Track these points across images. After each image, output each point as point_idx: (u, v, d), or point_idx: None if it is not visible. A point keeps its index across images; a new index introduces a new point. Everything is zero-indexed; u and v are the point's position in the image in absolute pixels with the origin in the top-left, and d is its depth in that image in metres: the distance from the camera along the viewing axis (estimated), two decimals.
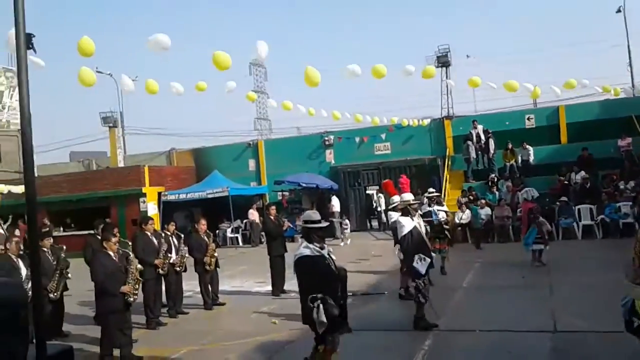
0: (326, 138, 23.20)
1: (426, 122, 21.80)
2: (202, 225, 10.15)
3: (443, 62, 22.94)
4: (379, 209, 20.52)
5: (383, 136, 22.29)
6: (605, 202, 15.17)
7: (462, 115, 22.81)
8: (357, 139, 22.79)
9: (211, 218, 16.02)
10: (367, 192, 21.73)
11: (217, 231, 20.37)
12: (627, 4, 27.74)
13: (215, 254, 10.04)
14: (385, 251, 14.09)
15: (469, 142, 18.99)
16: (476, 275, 11.07)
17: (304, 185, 21.04)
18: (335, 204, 20.11)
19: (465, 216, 16.00)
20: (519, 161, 18.61)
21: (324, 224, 5.38)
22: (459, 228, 15.94)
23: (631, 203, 14.68)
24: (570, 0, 68.99)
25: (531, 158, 18.58)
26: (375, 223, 21.52)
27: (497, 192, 17.11)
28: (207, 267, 9.83)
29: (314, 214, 5.41)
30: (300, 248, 5.13)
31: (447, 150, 21.26)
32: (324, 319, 4.74)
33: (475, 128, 19.37)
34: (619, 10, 28.30)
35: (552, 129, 20.36)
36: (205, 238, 10.01)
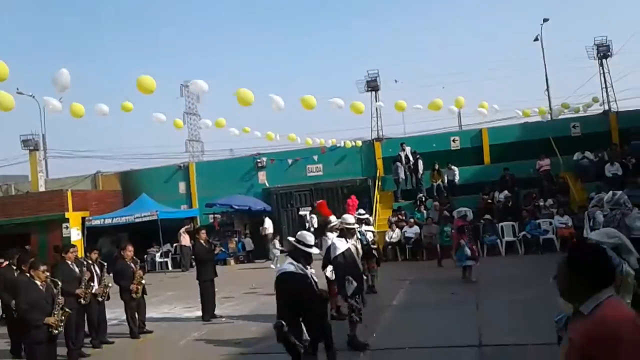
0: (258, 160, 23.11)
1: (360, 143, 22.23)
2: (129, 251, 9.76)
3: (372, 86, 23.46)
4: (311, 229, 20.55)
5: (315, 158, 22.47)
6: (526, 220, 15.93)
7: (392, 137, 23.39)
8: (290, 161, 22.85)
9: (139, 243, 15.51)
10: (300, 213, 21.76)
11: (145, 256, 19.72)
12: (543, 33, 29.56)
13: (143, 281, 9.68)
14: (317, 271, 14.09)
15: (398, 164, 19.49)
16: (406, 293, 11.26)
17: (236, 207, 20.81)
18: (268, 225, 19.99)
19: (395, 235, 16.32)
20: (445, 181, 19.25)
21: (315, 250, 5.33)
22: (389, 247, 16.24)
23: (550, 220, 15.50)
24: (492, 26, 73.09)
25: (456, 178, 19.27)
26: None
27: (425, 211, 17.59)
28: (134, 295, 9.46)
29: (309, 237, 5.35)
30: (285, 264, 5.07)
31: (378, 171, 21.71)
32: (307, 336, 4.69)
33: (404, 150, 19.94)
34: (536, 39, 30.07)
35: (475, 150, 21.25)
36: (132, 265, 9.63)
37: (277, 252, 17.64)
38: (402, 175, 19.41)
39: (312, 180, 22.43)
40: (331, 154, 22.25)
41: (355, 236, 8.11)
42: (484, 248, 15.71)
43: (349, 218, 7.97)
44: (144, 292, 9.71)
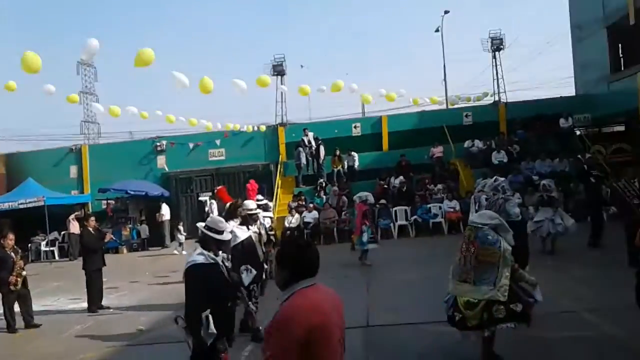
0: (158, 143, 22.31)
1: (264, 127, 22.10)
2: (9, 240, 9.04)
3: (278, 70, 23.35)
4: (211, 215, 20.22)
5: (218, 142, 22.07)
6: (418, 204, 16.65)
7: (296, 122, 23.48)
8: (191, 145, 22.27)
9: (24, 231, 14.50)
10: (200, 198, 21.32)
11: (29, 245, 18.48)
12: (444, 25, 30.79)
13: (23, 272, 9.05)
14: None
15: (300, 149, 19.62)
16: None
17: (131, 192, 19.97)
18: (165, 212, 19.43)
19: (294, 220, 16.44)
20: (345, 167, 19.64)
21: (227, 237, 5.03)
22: (288, 232, 16.33)
23: (440, 204, 16.30)
24: (396, 17, 75.27)
25: (356, 164, 19.72)
26: None
27: (324, 197, 17.87)
28: (12, 288, 8.83)
29: (221, 223, 5.04)
30: (194, 255, 4.72)
31: (280, 156, 21.72)
32: (214, 330, 4.47)
33: (307, 135, 20.09)
34: (437, 30, 31.30)
35: (375, 137, 21.83)
36: (12, 254, 8.97)
37: (182, 238, 17.22)
38: (303, 161, 19.57)
39: (214, 165, 22.03)
40: (234, 138, 21.95)
41: (257, 222, 7.98)
42: (378, 231, 16.22)
43: (250, 204, 7.83)
44: (24, 284, 9.09)
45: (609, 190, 11.84)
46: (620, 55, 20.45)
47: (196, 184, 21.71)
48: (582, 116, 20.35)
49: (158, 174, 22.15)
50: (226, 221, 5.85)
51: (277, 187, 19.64)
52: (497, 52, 23.25)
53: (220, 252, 4.96)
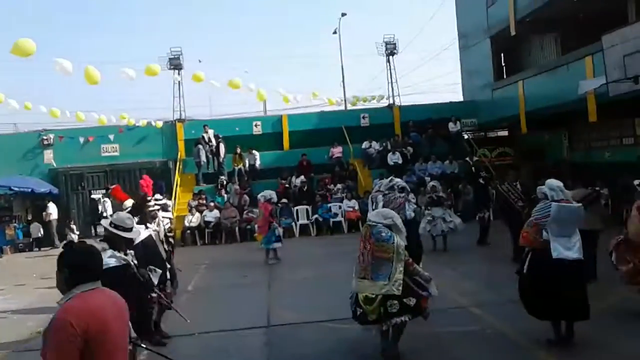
0: (45, 137, 20.86)
1: (160, 123, 21.42)
2: None
3: (175, 64, 22.71)
4: (104, 214, 19.40)
5: (112, 137, 21.04)
6: (319, 203, 17.02)
7: (195, 118, 22.99)
8: (82, 139, 21.06)
9: None
10: (92, 196, 20.31)
11: None
12: (342, 27, 31.54)
13: None
14: None
15: (200, 146, 19.28)
16: (202, 278, 11.27)
17: (16, 189, 18.59)
18: (53, 210, 18.32)
19: (194, 219, 16.18)
20: (247, 165, 19.59)
21: (134, 235, 4.77)
22: (188, 231, 16.07)
23: (340, 204, 16.78)
24: (297, 17, 75.93)
25: (257, 162, 19.73)
26: (100, 229, 20.19)
27: (225, 195, 17.73)
28: None
29: (129, 220, 4.77)
30: (104, 257, 4.36)
31: (179, 153, 21.19)
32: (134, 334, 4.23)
33: (207, 132, 19.78)
34: (335, 32, 31.95)
35: (276, 136, 21.92)
36: None
37: (75, 238, 16.29)
38: (203, 158, 19.25)
39: (107, 161, 20.99)
40: (130, 133, 21.04)
41: (157, 219, 7.77)
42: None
43: (127, 203, 7.61)
44: None
45: (494, 191, 12.82)
46: (503, 64, 22.14)
47: (88, 180, 20.60)
48: (469, 121, 21.83)
49: (45, 169, 20.72)
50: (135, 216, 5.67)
51: (176, 185, 19.17)
52: (391, 56, 24.18)
53: (129, 251, 4.82)
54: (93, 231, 20.51)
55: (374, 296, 5.31)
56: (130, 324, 4.45)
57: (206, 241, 16.44)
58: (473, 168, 18.70)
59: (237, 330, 7.29)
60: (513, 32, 18.35)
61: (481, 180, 14.02)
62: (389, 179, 11.57)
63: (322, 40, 65.41)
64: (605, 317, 6.27)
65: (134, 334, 4.49)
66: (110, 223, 4.84)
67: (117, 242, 4.69)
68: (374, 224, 5.57)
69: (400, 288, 5.26)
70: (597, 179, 12.37)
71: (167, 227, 10.41)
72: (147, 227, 7.00)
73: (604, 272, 7.62)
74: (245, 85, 15.94)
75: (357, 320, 5.66)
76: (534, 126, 18.42)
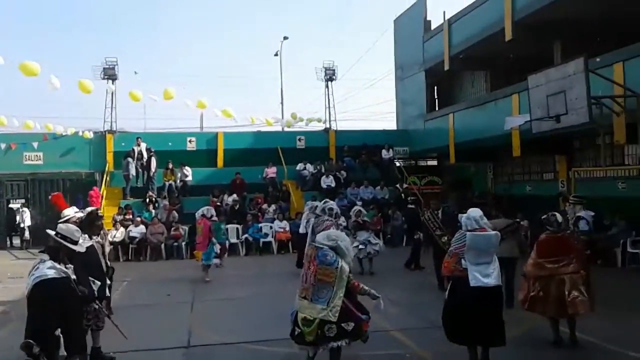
0: None
1: (88, 134, 20.65)
2: None
3: (109, 74, 22.07)
4: (22, 225, 18.40)
5: (35, 145, 20.07)
6: (250, 223, 16.84)
7: (126, 131, 22.33)
8: (3, 145, 19.97)
9: None
10: (11, 206, 19.22)
11: None
12: (283, 48, 31.82)
13: None
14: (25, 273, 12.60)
15: (130, 159, 18.72)
16: (122, 295, 10.78)
17: None
18: None
19: (119, 234, 15.59)
20: (178, 181, 19.17)
21: (80, 248, 4.48)
22: (111, 247, 15.40)
23: (271, 224, 16.68)
24: (242, 36, 75.60)
25: (189, 178, 19.35)
26: (17, 241, 19.17)
27: (153, 211, 17.22)
28: None
29: (77, 232, 4.50)
30: (43, 268, 4.12)
31: (107, 165, 20.47)
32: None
33: (139, 145, 19.24)
34: (276, 54, 32.23)
35: (210, 153, 21.69)
36: None
37: None
38: (132, 172, 18.68)
39: (29, 169, 19.98)
40: (56, 142, 20.16)
41: (102, 231, 7.43)
42: None
43: (68, 211, 7.27)
44: None
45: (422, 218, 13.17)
46: (436, 97, 23.01)
47: (6, 189, 19.50)
48: (402, 149, 22.44)
49: None
50: (83, 231, 5.42)
51: (102, 198, 18.45)
52: (330, 82, 24.58)
53: (69, 265, 4.57)
54: (9, 242, 19.40)
55: (312, 318, 5.27)
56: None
57: (130, 257, 15.85)
58: (403, 195, 19.18)
59: (154, 350, 7.03)
60: (447, 67, 19.14)
61: (410, 205, 14.41)
62: (323, 201, 11.74)
63: (262, 61, 65.61)
64: (520, 343, 6.51)
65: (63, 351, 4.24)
66: (57, 233, 4.62)
67: (59, 254, 4.46)
68: (320, 246, 5.55)
69: (337, 315, 5.24)
70: (518, 211, 13.00)
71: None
72: (91, 239, 6.76)
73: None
74: (181, 99, 15.70)
75: (295, 340, 5.59)
76: (462, 157, 19.17)
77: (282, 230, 16.61)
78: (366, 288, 5.71)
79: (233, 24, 76.35)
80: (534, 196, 17.11)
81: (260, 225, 16.82)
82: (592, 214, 11.91)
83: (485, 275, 5.56)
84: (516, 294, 7.80)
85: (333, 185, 19.48)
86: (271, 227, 16.76)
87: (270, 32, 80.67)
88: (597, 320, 7.02)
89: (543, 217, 7.00)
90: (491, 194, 18.93)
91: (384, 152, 21.33)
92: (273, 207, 17.92)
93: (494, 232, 5.80)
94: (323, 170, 20.21)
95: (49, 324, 4.15)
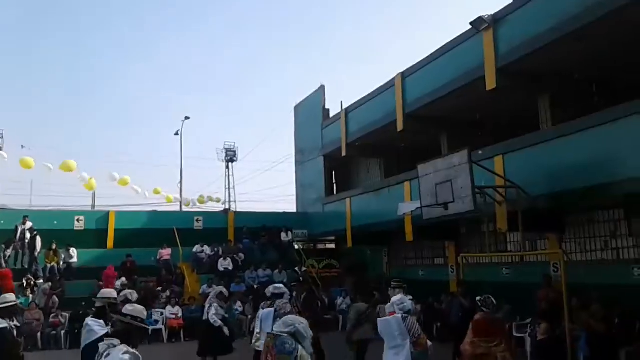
0: None
1: None
2: None
3: None
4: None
5: None
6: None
7: (8, 207, 20.72)
8: None
9: None
10: None
11: None
12: (184, 129, 31.56)
13: None
14: None
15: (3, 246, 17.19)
16: None
17: None
18: None
19: None
20: (61, 263, 17.82)
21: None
22: None
23: (162, 310, 15.76)
24: (143, 113, 74.16)
25: (74, 260, 18.06)
26: None
27: (31, 295, 15.73)
28: None
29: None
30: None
31: None
32: None
33: (25, 224, 17.82)
34: (176, 133, 31.90)
35: (100, 232, 20.50)
36: None
37: None
38: (9, 253, 17.14)
39: None
40: None
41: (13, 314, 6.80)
42: None
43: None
44: None
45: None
46: (334, 181, 23.70)
47: None
48: (301, 232, 22.57)
49: None
50: None
51: None
52: (230, 163, 24.71)
53: None
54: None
55: None
56: None
57: None
58: (301, 278, 19.05)
59: None
60: (344, 153, 19.94)
61: (293, 284, 14.16)
62: (220, 288, 11.32)
63: (162, 140, 64.60)
64: None
65: None
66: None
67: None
68: (278, 334, 5.30)
69: None
70: (412, 295, 13.30)
71: None
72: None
73: None
74: (78, 172, 14.93)
75: None
76: (358, 241, 19.58)
77: (173, 316, 15.71)
78: None
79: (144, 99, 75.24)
80: (426, 281, 17.66)
81: (150, 311, 15.82)
82: (411, 297, 12.35)
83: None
84: None
85: (230, 268, 18.98)
86: (162, 314, 15.79)
87: (173, 111, 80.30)
88: None
89: (478, 298, 7.33)
90: (385, 278, 19.32)
91: (283, 234, 21.35)
92: (168, 292, 16.97)
93: (392, 317, 5.92)
94: (221, 252, 19.71)
95: None
